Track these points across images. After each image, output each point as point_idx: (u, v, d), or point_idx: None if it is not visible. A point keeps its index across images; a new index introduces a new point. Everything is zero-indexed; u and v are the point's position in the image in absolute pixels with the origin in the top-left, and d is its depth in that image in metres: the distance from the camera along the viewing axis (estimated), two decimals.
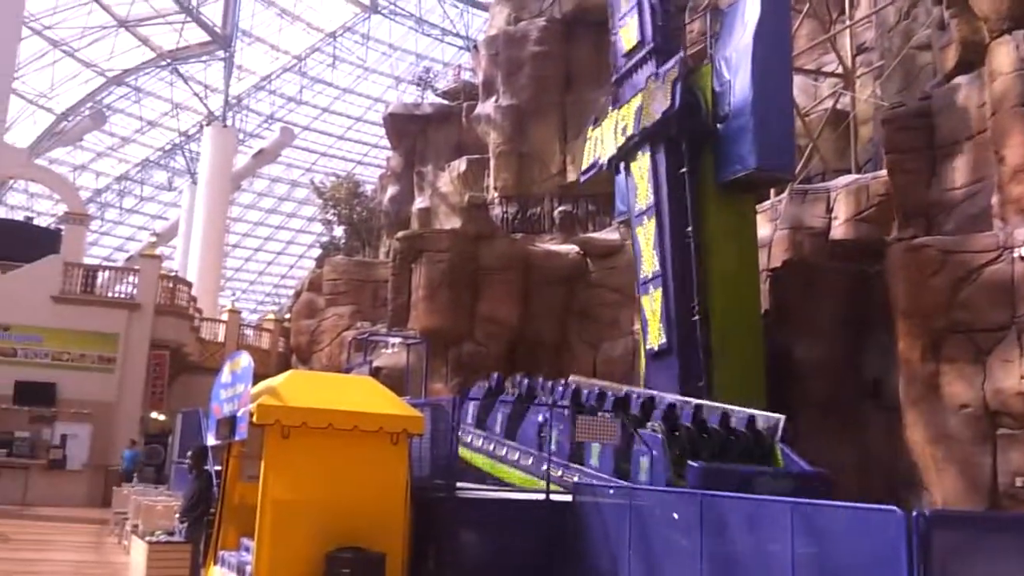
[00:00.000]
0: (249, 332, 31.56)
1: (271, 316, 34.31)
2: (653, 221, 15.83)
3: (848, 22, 21.34)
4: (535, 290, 23.02)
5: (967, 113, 14.16)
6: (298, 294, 31.18)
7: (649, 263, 15.98)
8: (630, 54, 17.12)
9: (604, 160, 17.65)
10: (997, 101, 12.89)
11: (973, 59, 13.97)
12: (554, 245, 25.31)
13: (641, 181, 16.36)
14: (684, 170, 15.32)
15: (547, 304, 22.91)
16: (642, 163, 16.30)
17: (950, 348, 12.43)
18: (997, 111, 12.91)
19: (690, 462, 10.68)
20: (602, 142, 17.72)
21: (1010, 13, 12.65)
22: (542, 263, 23.49)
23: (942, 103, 14.65)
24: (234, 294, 62.07)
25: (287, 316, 32.94)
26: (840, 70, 20.91)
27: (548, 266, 23.41)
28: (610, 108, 17.76)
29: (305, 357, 27.89)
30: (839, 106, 20.74)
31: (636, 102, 16.29)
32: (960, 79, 14.46)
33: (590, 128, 18.68)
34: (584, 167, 19.00)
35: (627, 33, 17.27)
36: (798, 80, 20.39)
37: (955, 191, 14.27)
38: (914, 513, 5.49)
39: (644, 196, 16.20)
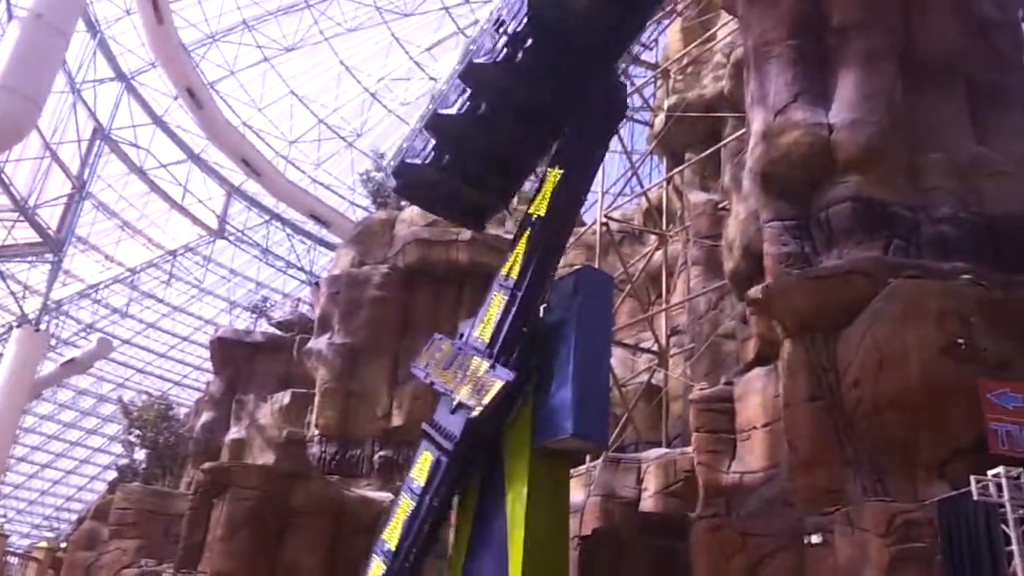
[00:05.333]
0: (14, 561, 27.97)
1: (44, 544, 30.67)
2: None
3: (664, 305, 23.24)
4: (346, 538, 21.78)
5: (764, 402, 15.31)
6: (80, 521, 28.21)
7: None
8: None
9: None
10: (788, 394, 14.04)
11: (769, 354, 15.33)
12: (370, 491, 24.45)
13: None
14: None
15: (356, 554, 21.43)
16: None
17: None
18: (789, 403, 14.02)
19: None
20: None
21: (799, 319, 14.09)
22: (356, 509, 22.48)
23: (742, 390, 15.85)
24: (6, 514, 55.64)
25: (63, 545, 29.53)
26: (656, 348, 22.45)
27: (362, 513, 22.39)
28: None
29: None
30: (654, 381, 22.05)
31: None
32: (758, 369, 15.76)
33: None
34: None
35: None
36: (618, 352, 21.70)
37: (754, 474, 15.08)
38: None
39: None
